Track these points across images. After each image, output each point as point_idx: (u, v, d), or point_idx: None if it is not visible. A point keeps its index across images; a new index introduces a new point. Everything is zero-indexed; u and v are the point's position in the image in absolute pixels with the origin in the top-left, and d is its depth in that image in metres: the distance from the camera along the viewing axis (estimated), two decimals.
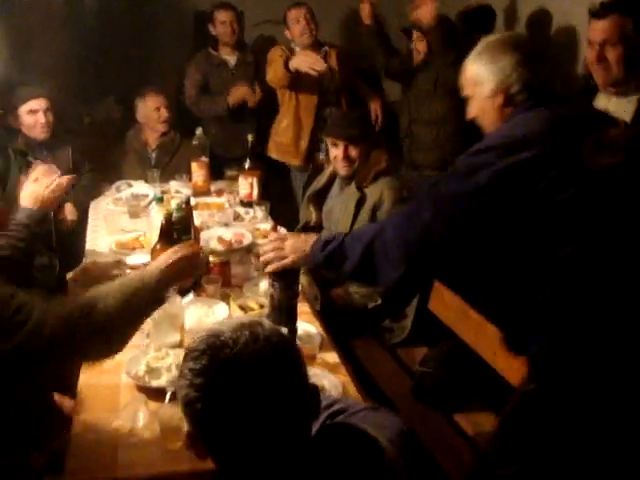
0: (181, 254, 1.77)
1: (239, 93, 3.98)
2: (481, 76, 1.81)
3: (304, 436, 1.08)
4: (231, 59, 4.19)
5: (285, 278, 2.07)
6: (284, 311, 2.08)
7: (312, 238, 1.98)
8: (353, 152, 2.87)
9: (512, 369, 2.23)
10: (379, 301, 2.89)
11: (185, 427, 1.10)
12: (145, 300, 1.64)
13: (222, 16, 4.13)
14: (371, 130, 3.02)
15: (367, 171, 2.91)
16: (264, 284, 2.45)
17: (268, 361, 1.05)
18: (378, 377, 2.63)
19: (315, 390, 1.12)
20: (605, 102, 2.44)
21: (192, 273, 1.97)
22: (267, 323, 1.11)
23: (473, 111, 1.89)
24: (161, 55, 4.72)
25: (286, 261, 1.98)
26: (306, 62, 3.56)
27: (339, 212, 3.04)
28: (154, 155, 3.78)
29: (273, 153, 4.07)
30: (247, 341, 1.05)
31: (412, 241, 1.71)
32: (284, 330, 1.93)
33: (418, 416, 2.44)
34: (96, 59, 4.65)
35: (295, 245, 1.98)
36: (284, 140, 4.00)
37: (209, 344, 1.06)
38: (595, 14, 2.37)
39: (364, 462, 1.10)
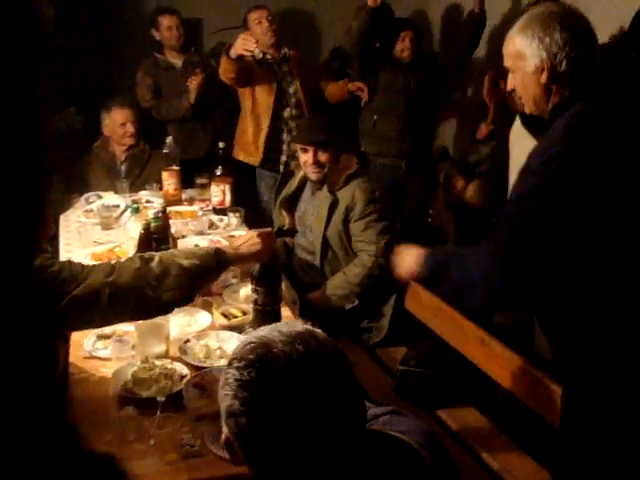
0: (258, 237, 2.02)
1: (195, 84, 4.01)
2: (526, 50, 1.73)
3: (348, 450, 1.03)
4: (178, 62, 4.23)
5: (269, 282, 2.10)
6: (268, 315, 2.09)
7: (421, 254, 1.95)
8: (322, 157, 2.91)
9: (492, 363, 2.30)
10: (356, 302, 2.93)
11: (223, 432, 1.06)
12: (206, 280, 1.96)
13: (166, 21, 4.17)
14: (339, 134, 3.05)
15: (338, 175, 2.95)
16: (244, 291, 2.47)
17: (320, 379, 1.00)
18: (359, 377, 2.66)
19: (362, 405, 1.08)
20: None
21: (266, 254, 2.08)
22: (321, 335, 1.06)
23: (514, 84, 1.83)
24: (124, 66, 4.70)
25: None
26: (240, 44, 3.56)
27: (312, 216, 3.07)
28: (124, 168, 3.75)
29: (240, 155, 4.12)
30: (300, 357, 1.00)
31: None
32: None
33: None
34: (57, 70, 4.60)
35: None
36: (245, 139, 4.07)
37: (259, 356, 1.00)
38: None
39: (409, 472, 1.08)
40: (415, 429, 1.13)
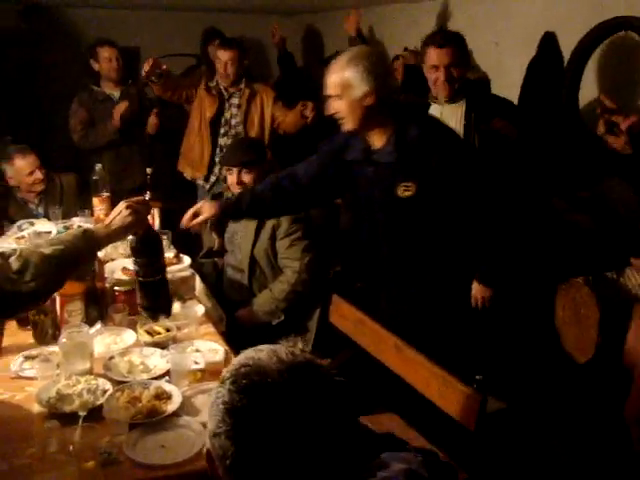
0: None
1: (121, 107, 4.21)
2: (354, 80, 2.23)
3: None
4: (115, 93, 4.36)
5: (147, 252, 1.99)
6: (150, 288, 2.02)
7: None
8: (246, 177, 3.04)
9: (406, 368, 2.44)
10: (282, 317, 3.05)
11: (205, 446, 1.04)
12: (79, 263, 1.84)
13: (106, 52, 4.29)
14: (264, 155, 3.19)
15: None
16: None
17: (314, 417, 0.96)
18: None
19: (356, 446, 1.02)
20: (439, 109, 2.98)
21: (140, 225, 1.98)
22: (322, 369, 1.03)
23: (338, 108, 2.30)
24: (56, 95, 4.77)
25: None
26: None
27: (240, 237, 3.19)
28: (41, 209, 3.70)
29: (186, 170, 4.37)
30: (295, 392, 0.97)
31: None
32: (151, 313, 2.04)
33: None
34: None
35: None
36: (192, 156, 4.30)
37: (253, 383, 0.98)
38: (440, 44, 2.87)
39: None
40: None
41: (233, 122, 4.22)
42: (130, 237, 2.00)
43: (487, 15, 4.04)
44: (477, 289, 2.67)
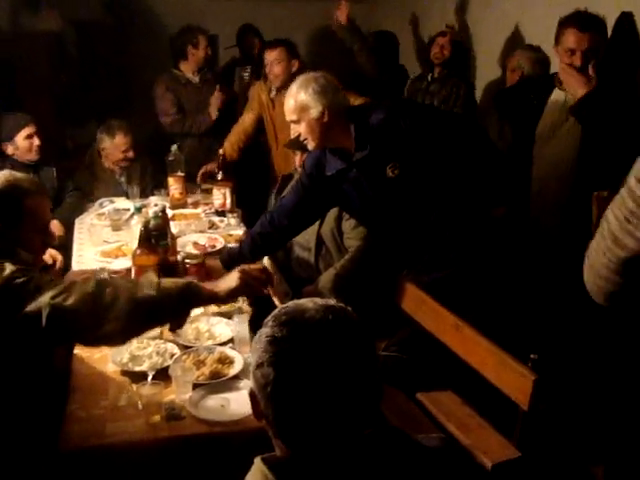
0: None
1: (217, 99, 4.29)
2: (309, 103, 2.46)
3: (363, 421, 1.09)
4: (195, 78, 4.45)
5: None
6: None
7: None
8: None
9: (465, 347, 2.47)
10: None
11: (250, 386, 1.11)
12: (168, 314, 1.81)
13: (204, 40, 4.43)
14: None
15: None
16: None
17: (345, 346, 1.05)
18: None
19: (380, 382, 1.12)
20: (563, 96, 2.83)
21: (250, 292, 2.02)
22: (351, 312, 1.12)
23: (300, 131, 2.52)
24: (141, 81, 4.98)
25: None
26: None
27: None
28: (123, 179, 3.94)
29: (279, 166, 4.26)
30: (329, 323, 1.06)
31: None
32: None
33: (384, 397, 2.66)
34: (79, 87, 4.91)
35: None
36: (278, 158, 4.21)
37: (292, 317, 1.07)
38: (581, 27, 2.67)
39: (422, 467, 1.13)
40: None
41: None
42: None
43: None
44: None
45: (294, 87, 2.52)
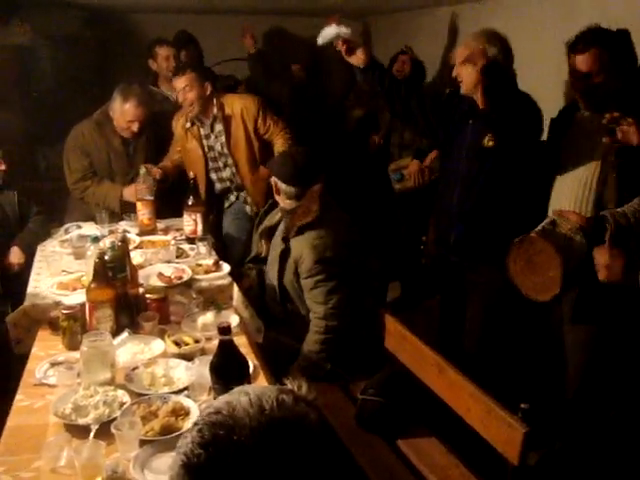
0: None
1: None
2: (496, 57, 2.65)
3: None
4: (172, 94, 4.20)
5: (228, 375, 1.72)
6: None
7: None
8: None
9: (452, 392, 2.27)
10: (329, 367, 2.82)
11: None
12: None
13: (163, 51, 4.26)
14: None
15: (292, 223, 2.83)
16: (201, 319, 2.48)
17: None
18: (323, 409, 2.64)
19: None
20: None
21: None
22: (317, 425, 0.88)
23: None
24: None
25: None
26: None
27: (270, 261, 3.05)
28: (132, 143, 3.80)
29: None
30: (268, 459, 0.82)
31: None
32: None
33: (361, 443, 2.46)
34: (53, 105, 4.71)
35: None
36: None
37: (215, 437, 0.84)
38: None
39: None
40: None
41: (217, 147, 3.87)
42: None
43: (552, 15, 3.79)
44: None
45: (485, 36, 2.68)
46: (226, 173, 3.88)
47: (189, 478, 0.82)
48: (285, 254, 2.87)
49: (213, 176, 3.90)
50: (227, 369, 1.71)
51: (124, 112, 3.64)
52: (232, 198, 3.97)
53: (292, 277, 2.85)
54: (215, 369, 1.72)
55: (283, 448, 0.82)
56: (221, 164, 3.88)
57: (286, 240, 2.87)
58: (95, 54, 5.25)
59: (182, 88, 3.66)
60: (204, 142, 3.84)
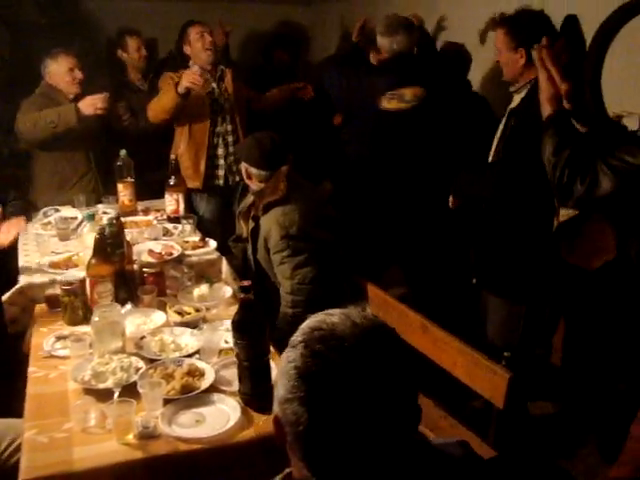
0: None
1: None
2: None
3: (398, 456, 0.96)
4: (144, 84, 4.27)
5: (250, 332, 1.82)
6: (253, 373, 1.85)
7: None
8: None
9: (434, 348, 2.44)
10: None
11: (274, 411, 1.00)
12: None
13: (134, 42, 4.28)
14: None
15: (259, 201, 2.88)
16: (197, 291, 2.58)
17: (386, 383, 0.93)
18: None
19: (419, 410, 0.99)
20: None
21: None
22: (395, 337, 1.00)
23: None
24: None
25: None
26: (187, 78, 3.66)
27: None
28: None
29: None
30: (369, 357, 0.93)
31: None
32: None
33: None
34: (11, 91, 4.66)
35: None
36: (184, 164, 3.89)
37: (327, 348, 0.94)
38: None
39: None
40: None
41: (227, 106, 4.02)
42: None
43: None
44: None
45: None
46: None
47: (308, 386, 0.92)
48: (255, 232, 2.93)
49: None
50: (249, 325, 1.82)
51: (61, 64, 3.71)
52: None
53: (264, 254, 2.90)
54: (238, 326, 1.83)
55: (379, 349, 0.95)
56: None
57: (256, 219, 2.93)
58: (51, 40, 5.20)
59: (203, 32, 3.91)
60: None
